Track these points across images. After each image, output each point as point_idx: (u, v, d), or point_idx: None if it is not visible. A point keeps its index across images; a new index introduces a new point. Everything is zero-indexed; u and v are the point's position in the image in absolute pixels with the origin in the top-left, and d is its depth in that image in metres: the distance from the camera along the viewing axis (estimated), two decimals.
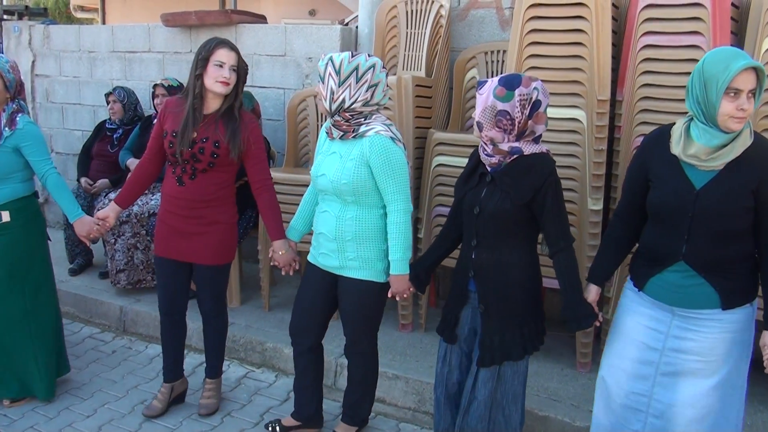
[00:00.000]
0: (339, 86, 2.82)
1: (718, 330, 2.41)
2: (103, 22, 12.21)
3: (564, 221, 2.65)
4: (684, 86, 3.37)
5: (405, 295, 3.00)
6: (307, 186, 4.24)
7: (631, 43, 3.61)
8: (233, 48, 3.19)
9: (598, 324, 2.68)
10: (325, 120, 3.11)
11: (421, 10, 4.46)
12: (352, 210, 2.94)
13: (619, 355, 2.60)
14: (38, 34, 6.50)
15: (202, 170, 3.22)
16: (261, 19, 5.43)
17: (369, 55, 2.88)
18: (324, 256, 3.05)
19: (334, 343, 3.99)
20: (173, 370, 3.66)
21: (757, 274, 2.45)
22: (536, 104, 2.58)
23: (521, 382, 2.78)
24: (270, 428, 3.39)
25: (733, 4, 3.45)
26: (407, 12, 4.51)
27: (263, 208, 3.32)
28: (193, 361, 4.20)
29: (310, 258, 3.18)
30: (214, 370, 3.68)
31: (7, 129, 3.41)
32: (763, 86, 2.28)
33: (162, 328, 3.61)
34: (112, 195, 4.89)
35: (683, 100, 3.38)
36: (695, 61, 3.35)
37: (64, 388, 3.90)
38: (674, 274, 2.44)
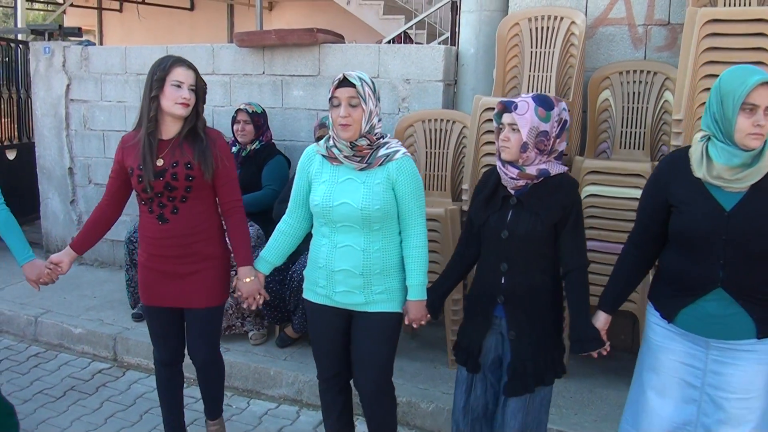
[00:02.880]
0: (375, 107, 2.70)
1: (755, 361, 2.32)
2: (101, 44, 11.69)
3: (582, 242, 2.62)
4: None
5: (422, 322, 2.85)
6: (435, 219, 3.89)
7: None
8: (191, 66, 2.92)
9: (604, 353, 2.61)
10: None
11: (549, 27, 4.10)
12: (378, 241, 2.75)
13: (659, 394, 2.47)
14: (74, 55, 5.96)
15: (181, 199, 2.92)
16: (340, 38, 5.02)
17: None
18: (344, 294, 2.81)
19: None
20: (177, 420, 3.36)
21: None
22: (565, 123, 2.59)
23: (545, 409, 2.73)
24: None
25: None
26: (531, 30, 4.14)
27: (233, 230, 3.03)
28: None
29: (311, 297, 2.92)
30: (215, 412, 3.39)
31: None
32: None
33: (159, 380, 3.30)
34: None
35: None
36: None
37: None
38: (711, 303, 2.32)
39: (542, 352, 2.63)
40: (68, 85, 6.03)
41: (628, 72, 4.03)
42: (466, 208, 3.91)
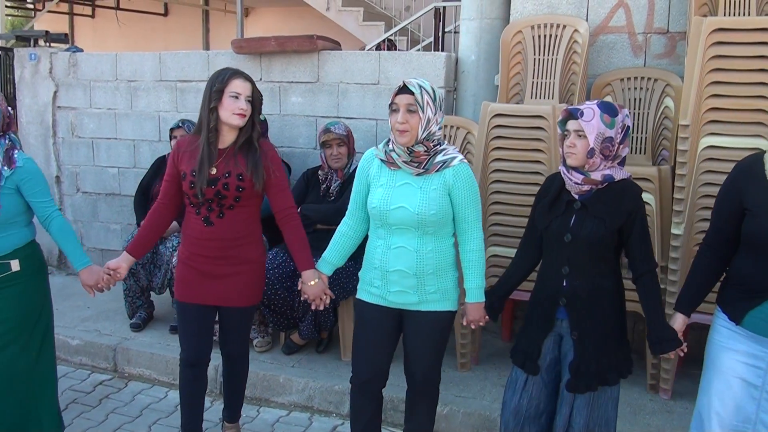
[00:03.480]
0: (434, 114, 2.74)
1: None
2: None
3: (649, 245, 2.68)
4: None
5: (481, 323, 2.95)
6: None
7: None
8: (248, 78, 3.06)
9: (681, 354, 2.68)
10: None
11: (552, 35, 4.17)
12: (430, 243, 2.82)
13: (720, 396, 2.50)
14: (62, 62, 5.87)
15: (228, 206, 3.05)
16: (337, 45, 5.03)
17: None
18: (398, 294, 2.88)
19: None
20: (196, 426, 3.39)
21: None
22: (627, 129, 2.65)
23: (613, 407, 2.78)
24: None
25: None
26: (534, 37, 4.21)
27: (290, 236, 3.15)
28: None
29: (365, 297, 2.98)
30: (235, 413, 3.52)
31: (5, 168, 3.05)
32: None
33: (184, 382, 3.33)
34: None
35: None
36: None
37: None
38: None
39: (605, 353, 2.69)
40: (55, 92, 5.94)
41: (629, 79, 4.12)
42: None
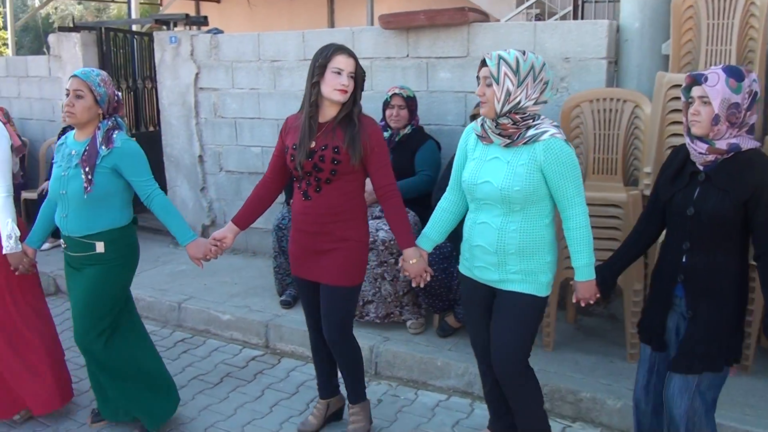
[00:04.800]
0: (517, 87, 2.63)
1: None
2: None
3: None
4: None
5: (592, 302, 2.82)
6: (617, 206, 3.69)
7: None
8: (351, 54, 3.01)
9: None
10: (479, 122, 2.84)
11: None
12: (516, 221, 2.72)
13: None
14: (203, 44, 5.95)
15: (326, 180, 3.03)
16: (487, 17, 4.85)
17: (529, 53, 2.70)
18: (481, 269, 2.84)
19: None
20: (327, 386, 3.49)
21: None
22: (755, 95, 2.46)
23: (714, 395, 2.63)
24: None
25: None
26: (708, 0, 3.90)
27: (390, 214, 3.10)
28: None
29: (462, 270, 2.99)
30: (355, 395, 3.42)
31: (103, 147, 3.12)
32: None
33: (312, 344, 3.44)
34: None
35: None
36: None
37: None
38: None
39: (717, 337, 2.54)
40: (197, 74, 6.03)
41: None
42: (647, 193, 3.71)
